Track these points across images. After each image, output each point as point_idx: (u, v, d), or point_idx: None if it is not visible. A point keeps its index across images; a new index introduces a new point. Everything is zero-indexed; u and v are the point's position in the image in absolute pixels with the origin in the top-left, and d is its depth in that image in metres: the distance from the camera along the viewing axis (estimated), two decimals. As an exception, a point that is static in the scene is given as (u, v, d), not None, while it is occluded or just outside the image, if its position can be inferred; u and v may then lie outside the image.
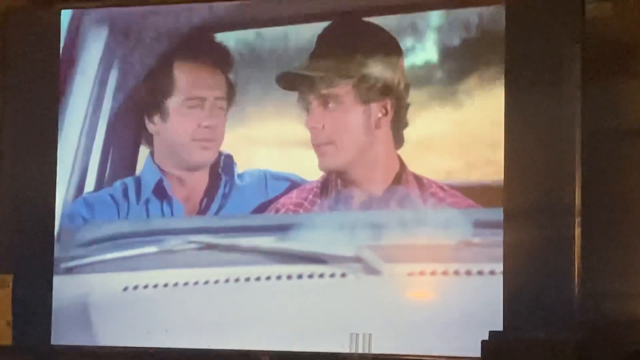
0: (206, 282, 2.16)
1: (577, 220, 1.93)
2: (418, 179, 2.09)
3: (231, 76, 2.21)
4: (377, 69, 2.11)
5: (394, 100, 2.10)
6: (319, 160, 2.14)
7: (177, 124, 2.22)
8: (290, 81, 2.16)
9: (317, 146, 2.13)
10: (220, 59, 2.22)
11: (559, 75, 1.98)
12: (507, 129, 2.01)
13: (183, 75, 2.23)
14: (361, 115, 2.11)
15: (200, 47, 2.24)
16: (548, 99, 1.99)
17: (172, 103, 2.22)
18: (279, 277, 2.12)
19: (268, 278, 2.13)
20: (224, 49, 2.22)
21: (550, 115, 1.99)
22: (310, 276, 2.11)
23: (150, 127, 2.24)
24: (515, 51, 2.01)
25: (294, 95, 2.16)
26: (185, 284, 2.17)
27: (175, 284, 2.18)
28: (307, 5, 2.20)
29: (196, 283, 2.17)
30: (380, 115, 2.10)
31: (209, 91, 2.21)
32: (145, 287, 2.19)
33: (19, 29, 2.31)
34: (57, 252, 2.25)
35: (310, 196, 2.14)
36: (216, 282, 2.16)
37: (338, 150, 2.12)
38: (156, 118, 2.23)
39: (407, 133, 2.10)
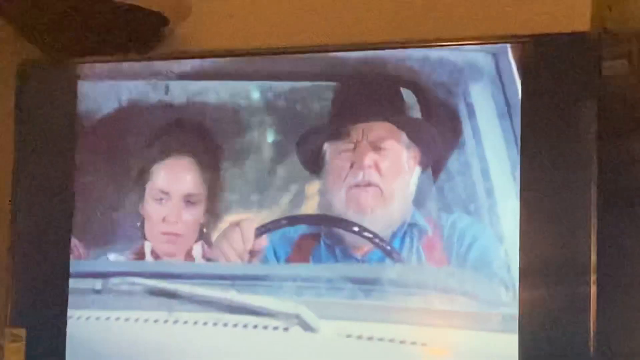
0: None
1: (593, 278, 1.92)
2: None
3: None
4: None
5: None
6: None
7: None
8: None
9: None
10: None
11: (575, 133, 1.97)
12: (522, 187, 2.00)
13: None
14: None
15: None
16: (563, 157, 1.98)
17: None
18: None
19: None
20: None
21: (565, 172, 1.97)
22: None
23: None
24: (530, 109, 2.00)
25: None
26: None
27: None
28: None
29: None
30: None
31: None
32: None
33: (34, 82, 2.32)
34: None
35: None
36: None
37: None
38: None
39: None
